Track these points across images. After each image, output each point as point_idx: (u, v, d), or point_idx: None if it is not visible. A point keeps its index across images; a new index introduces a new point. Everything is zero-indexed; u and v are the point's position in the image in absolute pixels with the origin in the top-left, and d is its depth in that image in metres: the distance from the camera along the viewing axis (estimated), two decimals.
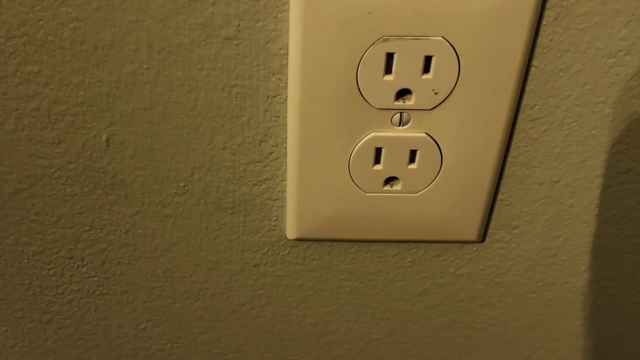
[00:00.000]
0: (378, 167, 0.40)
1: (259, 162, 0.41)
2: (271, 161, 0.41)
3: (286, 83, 0.38)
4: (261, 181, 0.42)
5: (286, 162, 0.41)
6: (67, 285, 0.47)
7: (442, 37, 0.35)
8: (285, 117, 0.39)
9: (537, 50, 0.36)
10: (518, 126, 0.39)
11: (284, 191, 0.42)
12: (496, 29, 0.35)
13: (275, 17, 0.35)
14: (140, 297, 0.48)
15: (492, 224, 0.44)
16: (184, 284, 0.47)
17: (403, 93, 0.37)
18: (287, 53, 0.36)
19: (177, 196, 0.43)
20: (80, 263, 0.46)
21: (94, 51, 0.36)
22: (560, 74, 0.37)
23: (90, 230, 0.44)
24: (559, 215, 0.44)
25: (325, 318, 0.50)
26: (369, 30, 0.35)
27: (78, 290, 0.48)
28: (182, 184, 0.42)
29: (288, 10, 0.35)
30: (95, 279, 0.47)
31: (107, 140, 0.40)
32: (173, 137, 0.40)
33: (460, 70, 0.36)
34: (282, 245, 0.45)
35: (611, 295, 0.48)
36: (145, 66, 0.37)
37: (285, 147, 0.40)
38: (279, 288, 0.48)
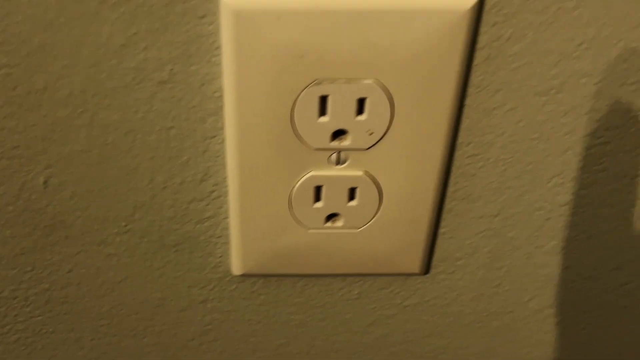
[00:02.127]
0: (319, 204, 0.40)
1: (201, 200, 0.41)
2: (213, 199, 0.41)
3: (223, 124, 0.38)
4: (204, 219, 0.42)
5: (228, 200, 0.41)
6: (12, 325, 0.47)
7: (374, 80, 0.35)
8: (225, 157, 0.39)
9: (470, 90, 0.37)
10: (455, 163, 0.40)
11: (227, 228, 0.42)
12: (427, 70, 0.35)
13: (209, 61, 0.35)
14: (86, 335, 0.48)
15: (435, 256, 0.45)
16: (131, 321, 0.47)
17: (339, 133, 0.38)
18: (222, 95, 0.36)
19: (119, 235, 0.42)
20: (24, 303, 0.45)
21: (27, 96, 0.36)
22: (494, 112, 0.38)
23: (32, 270, 0.44)
24: (500, 247, 0.44)
25: (275, 351, 0.50)
26: (302, 74, 0.35)
27: (23, 329, 0.47)
28: (124, 223, 0.42)
29: (221, 54, 0.35)
30: (40, 318, 0.46)
31: (45, 182, 0.39)
32: (112, 178, 0.40)
33: (394, 111, 0.37)
34: (229, 280, 0.45)
35: (556, 323, 0.49)
36: (80, 110, 0.37)
37: (227, 186, 0.40)
38: (228, 323, 0.48)
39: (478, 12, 0.34)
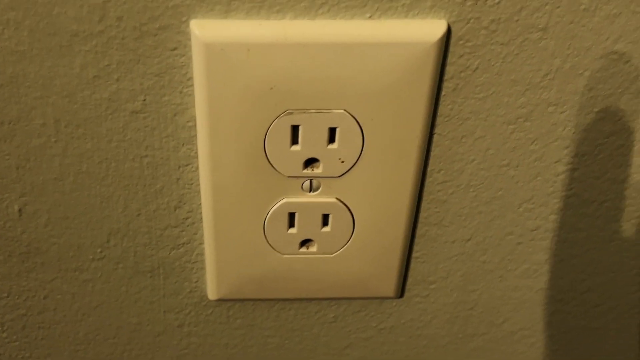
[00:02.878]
0: (292, 230, 0.41)
1: (175, 227, 0.41)
2: (187, 226, 0.41)
3: (197, 153, 0.38)
4: (179, 245, 0.42)
5: (202, 226, 0.41)
6: None
7: (344, 110, 0.36)
8: (199, 184, 0.39)
9: (439, 119, 0.38)
10: (426, 189, 0.40)
11: (202, 254, 0.43)
12: (396, 101, 0.36)
13: (181, 92, 0.36)
14: None
15: (410, 280, 0.45)
16: (107, 346, 0.47)
17: (311, 161, 0.38)
18: (195, 125, 0.37)
19: (95, 261, 0.43)
20: (0, 329, 0.45)
21: (1, 126, 0.36)
22: (463, 140, 0.39)
23: (8, 296, 0.44)
24: (473, 271, 0.45)
25: None
26: (273, 105, 0.36)
27: (0, 355, 0.47)
28: (99, 250, 0.42)
29: (193, 85, 0.35)
30: (17, 343, 0.47)
31: (20, 210, 0.40)
32: (86, 205, 0.40)
33: (365, 140, 0.37)
34: (205, 305, 0.46)
35: (531, 344, 0.49)
36: (54, 139, 0.37)
37: (201, 213, 0.41)
38: (204, 347, 0.48)
39: (445, 44, 0.35)
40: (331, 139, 0.37)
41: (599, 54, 0.36)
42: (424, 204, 0.41)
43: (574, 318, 0.48)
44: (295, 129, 0.37)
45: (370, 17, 0.34)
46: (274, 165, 0.38)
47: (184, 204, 0.40)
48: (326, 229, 0.41)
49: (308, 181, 0.39)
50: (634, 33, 0.35)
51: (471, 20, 0.34)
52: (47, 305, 0.44)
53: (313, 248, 0.42)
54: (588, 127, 0.39)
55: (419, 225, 0.42)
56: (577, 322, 0.48)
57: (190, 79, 0.35)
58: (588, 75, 0.37)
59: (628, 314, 0.48)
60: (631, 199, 0.42)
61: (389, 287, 0.45)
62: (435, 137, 0.38)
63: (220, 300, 0.45)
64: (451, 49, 0.35)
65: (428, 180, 0.40)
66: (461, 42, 0.35)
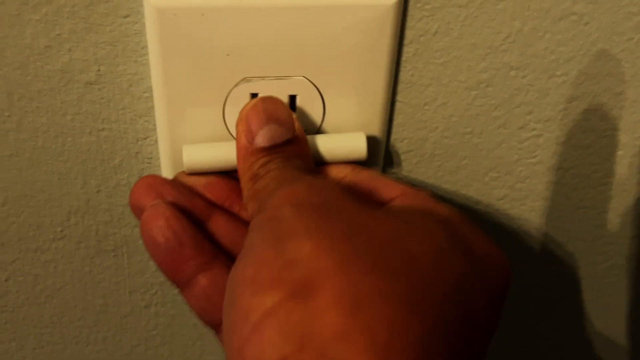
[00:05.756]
0: None
1: None
2: None
3: (155, 125, 0.37)
4: None
5: None
6: None
7: (304, 77, 0.35)
8: (158, 158, 0.39)
9: (400, 86, 0.37)
10: (391, 159, 0.40)
11: None
12: (356, 66, 0.35)
13: (136, 61, 0.35)
14: (29, 344, 0.47)
15: None
16: (73, 328, 0.46)
17: None
18: (152, 96, 0.36)
19: (56, 241, 0.42)
20: None
21: None
22: (426, 108, 0.38)
23: None
24: None
25: (223, 355, 0.49)
26: (230, 72, 0.35)
27: None
28: (60, 229, 0.41)
29: (147, 54, 0.35)
30: None
31: None
32: (44, 182, 0.39)
33: (325, 108, 0.37)
34: (171, 285, 0.45)
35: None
36: (7, 114, 0.36)
37: None
38: (173, 327, 0.47)
39: (403, 6, 0.34)
40: (291, 107, 0.37)
41: (559, 15, 0.36)
42: (388, 174, 0.41)
43: (540, 289, 0.48)
44: (254, 97, 0.36)
45: None
46: (233, 134, 0.37)
47: None
48: None
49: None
50: None
51: None
52: (9, 287, 0.44)
53: None
54: (550, 92, 0.38)
55: None
56: (544, 293, 0.48)
57: (145, 47, 0.35)
58: (548, 38, 0.36)
59: (597, 283, 0.48)
60: (596, 165, 0.42)
61: None
62: (398, 105, 0.38)
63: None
64: (409, 12, 0.35)
65: (392, 150, 0.39)
66: (419, 4, 0.34)
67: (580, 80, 0.38)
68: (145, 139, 0.38)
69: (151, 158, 0.39)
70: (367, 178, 0.34)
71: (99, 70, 0.35)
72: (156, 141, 0.38)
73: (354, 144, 0.36)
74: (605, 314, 0.50)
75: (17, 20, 0.33)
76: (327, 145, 0.36)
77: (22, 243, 0.42)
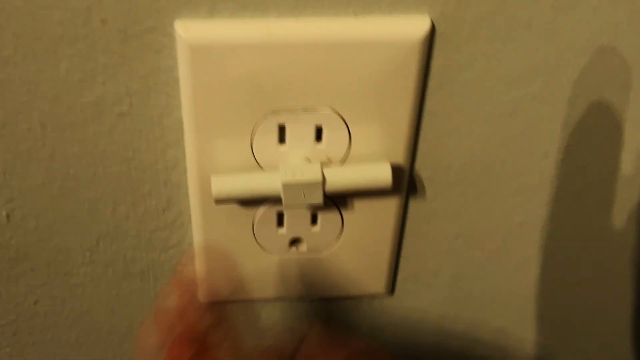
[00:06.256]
0: (282, 230, 0.41)
1: (164, 229, 0.41)
2: (177, 228, 0.41)
3: (184, 154, 0.38)
4: (168, 247, 0.42)
5: (191, 228, 0.41)
6: None
7: (331, 108, 0.36)
8: (187, 186, 0.39)
9: (425, 116, 0.38)
10: (414, 186, 0.41)
11: (192, 256, 0.43)
12: (382, 99, 0.36)
13: (167, 94, 0.36)
14: None
15: (400, 276, 0.45)
16: (99, 350, 0.47)
17: None
18: (182, 127, 0.37)
19: (84, 266, 0.42)
20: None
21: None
22: (450, 137, 0.39)
23: None
24: (462, 266, 0.45)
25: None
26: (259, 104, 0.36)
27: None
28: (88, 254, 0.42)
29: (179, 87, 0.35)
30: (8, 349, 0.46)
31: (8, 215, 0.40)
32: (74, 209, 0.40)
33: (351, 138, 0.37)
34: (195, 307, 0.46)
35: (522, 339, 0.50)
36: (40, 144, 0.37)
37: (190, 214, 0.41)
38: None
39: (429, 42, 0.35)
40: (318, 138, 0.37)
41: (583, 48, 0.36)
42: (412, 201, 0.41)
43: (564, 312, 0.48)
44: (282, 129, 0.37)
45: (354, 13, 0.34)
46: (261, 165, 0.38)
47: (173, 205, 0.40)
48: (315, 228, 0.41)
49: None
50: (616, 27, 0.35)
51: (455, 17, 0.34)
52: (37, 310, 0.44)
53: (303, 247, 0.42)
54: (573, 121, 0.39)
55: (408, 221, 0.42)
56: (568, 316, 0.48)
57: (177, 80, 0.35)
58: (572, 69, 0.37)
59: (618, 306, 0.48)
60: (619, 192, 0.42)
61: (380, 284, 0.45)
62: (422, 134, 0.38)
63: (211, 303, 0.45)
64: (436, 45, 0.35)
65: (416, 176, 0.40)
66: (446, 39, 0.35)
67: (603, 109, 0.38)
68: (174, 167, 0.39)
69: (180, 186, 0.40)
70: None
71: (131, 103, 0.36)
72: (185, 170, 0.39)
73: (379, 175, 0.37)
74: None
75: (52, 54, 0.34)
76: (353, 176, 0.37)
77: (51, 267, 0.42)
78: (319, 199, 0.36)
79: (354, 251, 0.42)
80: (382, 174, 0.37)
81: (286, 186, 0.36)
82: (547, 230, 0.43)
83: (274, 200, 0.37)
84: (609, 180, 0.41)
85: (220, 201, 0.37)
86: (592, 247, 0.45)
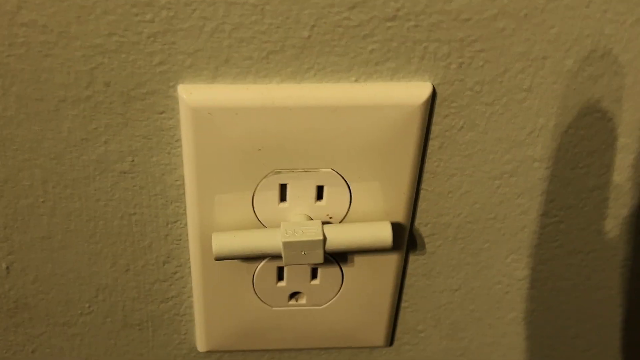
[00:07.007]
0: (282, 283, 0.41)
1: (164, 281, 0.41)
2: (176, 280, 0.41)
3: (185, 210, 0.38)
4: (167, 299, 0.42)
5: (191, 280, 0.41)
6: None
7: (332, 169, 0.36)
8: (187, 239, 0.40)
9: (425, 175, 0.38)
10: (414, 242, 0.41)
11: (191, 307, 0.43)
12: (383, 159, 0.36)
13: (169, 153, 0.36)
14: None
15: (399, 328, 0.45)
16: None
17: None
18: (183, 183, 0.37)
19: (83, 316, 0.42)
20: None
21: None
22: (450, 195, 0.39)
23: None
24: (462, 319, 0.45)
25: None
26: (261, 165, 0.36)
27: None
28: (87, 305, 0.42)
29: (181, 146, 0.36)
30: None
31: (7, 268, 0.40)
32: (74, 262, 0.40)
33: (352, 197, 0.37)
34: (194, 356, 0.46)
35: None
36: (42, 199, 0.37)
37: (189, 267, 0.41)
38: None
39: (430, 105, 0.35)
40: (319, 197, 0.37)
41: (583, 112, 0.36)
42: (412, 256, 0.41)
43: None
44: (283, 188, 0.37)
45: (356, 80, 0.34)
46: (262, 221, 0.38)
47: (173, 259, 0.40)
48: (315, 281, 0.41)
49: None
50: (616, 92, 0.36)
51: (456, 82, 0.35)
52: (35, 359, 0.44)
53: (302, 300, 0.42)
54: (573, 182, 0.39)
55: (408, 276, 0.42)
56: None
57: (179, 140, 0.36)
58: (572, 133, 0.37)
59: (615, 358, 0.48)
60: (617, 249, 0.42)
61: (379, 336, 0.45)
62: (422, 193, 0.39)
63: (210, 352, 0.45)
64: (437, 109, 0.35)
65: (416, 233, 0.40)
66: (446, 102, 0.35)
67: (602, 171, 0.39)
68: (175, 222, 0.39)
69: (180, 240, 0.40)
70: None
71: (133, 161, 0.36)
72: (186, 224, 0.39)
73: (379, 234, 0.37)
74: None
75: (55, 115, 0.34)
76: (353, 235, 0.37)
77: (50, 317, 0.42)
78: (319, 258, 0.36)
79: (353, 304, 0.42)
80: (382, 234, 0.37)
81: (287, 245, 0.36)
82: (546, 285, 0.43)
83: (275, 255, 0.37)
84: (606, 238, 0.42)
85: (221, 259, 0.37)
86: (590, 302, 0.45)
